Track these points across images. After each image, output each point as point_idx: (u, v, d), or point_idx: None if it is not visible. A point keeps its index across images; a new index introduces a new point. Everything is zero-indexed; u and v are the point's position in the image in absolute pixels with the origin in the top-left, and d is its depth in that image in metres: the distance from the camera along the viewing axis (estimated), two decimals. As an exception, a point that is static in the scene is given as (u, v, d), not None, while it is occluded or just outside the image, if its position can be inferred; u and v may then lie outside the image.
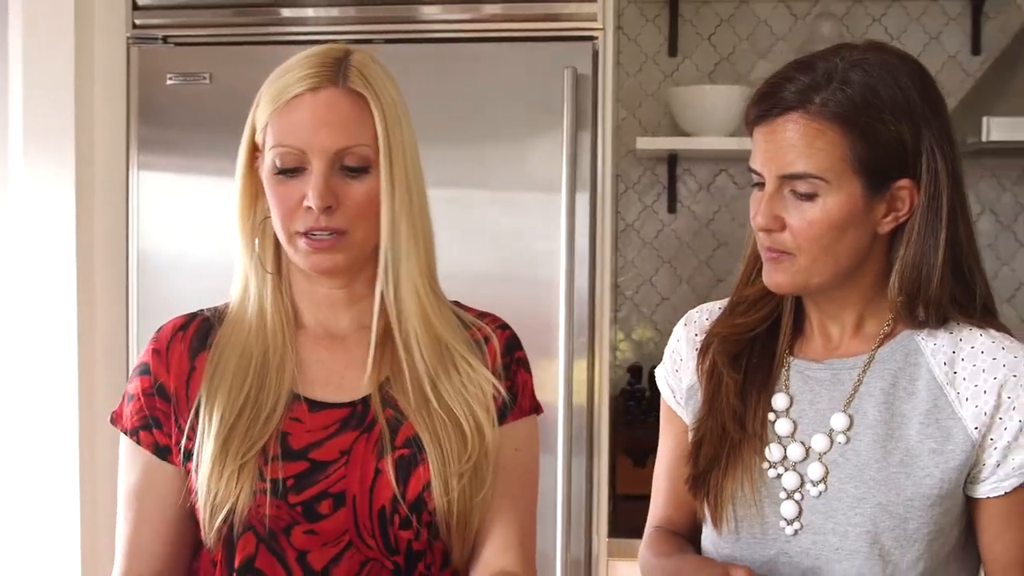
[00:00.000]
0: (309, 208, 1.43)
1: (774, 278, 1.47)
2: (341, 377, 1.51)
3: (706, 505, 1.54)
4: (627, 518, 2.76)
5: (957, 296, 1.46)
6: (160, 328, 1.56)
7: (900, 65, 1.44)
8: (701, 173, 3.31)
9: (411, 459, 1.46)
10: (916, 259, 1.44)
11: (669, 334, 1.66)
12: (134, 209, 2.72)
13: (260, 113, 1.48)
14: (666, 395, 1.66)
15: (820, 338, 1.54)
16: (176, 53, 2.72)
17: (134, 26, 2.72)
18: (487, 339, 1.55)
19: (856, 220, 1.42)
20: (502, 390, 1.51)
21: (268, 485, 1.44)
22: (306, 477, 1.45)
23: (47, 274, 2.66)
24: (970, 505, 1.48)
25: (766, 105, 1.44)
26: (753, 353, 1.54)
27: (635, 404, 3.02)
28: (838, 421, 1.48)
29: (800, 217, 1.42)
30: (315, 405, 1.49)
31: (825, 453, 1.48)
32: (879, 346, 1.50)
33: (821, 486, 1.47)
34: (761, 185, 1.46)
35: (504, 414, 1.52)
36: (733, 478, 1.51)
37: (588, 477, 2.65)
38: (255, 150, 1.50)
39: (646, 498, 2.94)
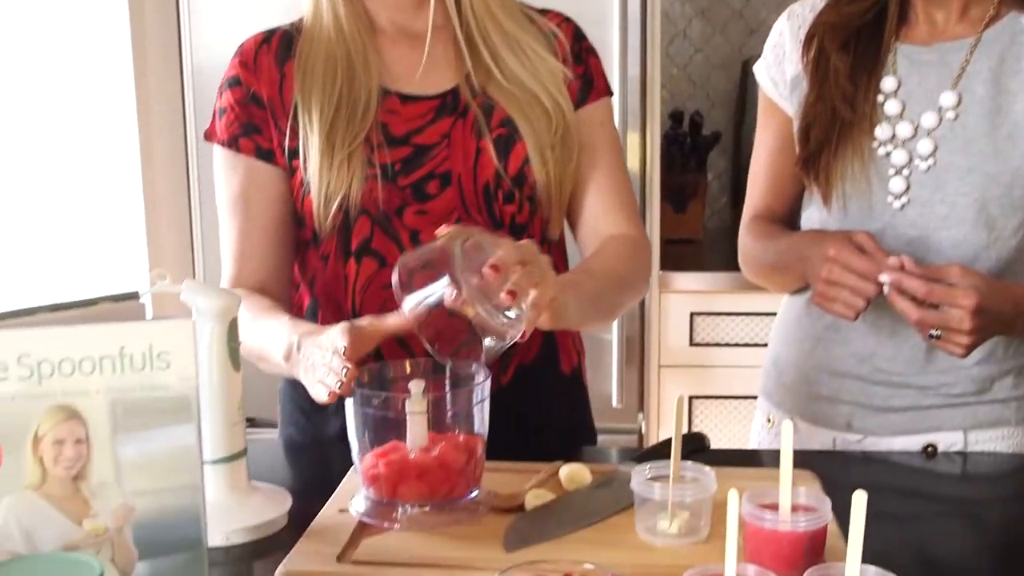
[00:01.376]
0: None
1: None
2: (425, 72, 1.57)
3: (816, 185, 1.62)
4: (668, 260, 2.86)
5: None
6: (242, 44, 1.60)
7: None
8: (735, -78, 3.31)
9: (508, 137, 1.54)
10: None
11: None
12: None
13: None
14: (767, 88, 1.72)
15: (925, 24, 1.60)
16: None
17: None
18: (554, 33, 1.60)
19: None
20: (571, 75, 1.58)
21: (378, 170, 1.51)
22: (412, 160, 1.53)
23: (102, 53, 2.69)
24: None
25: None
26: (860, 40, 1.60)
27: (677, 148, 3.08)
28: (947, 99, 1.55)
29: None
30: (406, 98, 1.56)
31: (934, 129, 1.55)
32: (985, 28, 1.56)
33: (930, 160, 1.55)
34: None
35: (584, 98, 1.59)
36: (843, 158, 1.59)
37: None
38: None
39: (685, 242, 3.09)
